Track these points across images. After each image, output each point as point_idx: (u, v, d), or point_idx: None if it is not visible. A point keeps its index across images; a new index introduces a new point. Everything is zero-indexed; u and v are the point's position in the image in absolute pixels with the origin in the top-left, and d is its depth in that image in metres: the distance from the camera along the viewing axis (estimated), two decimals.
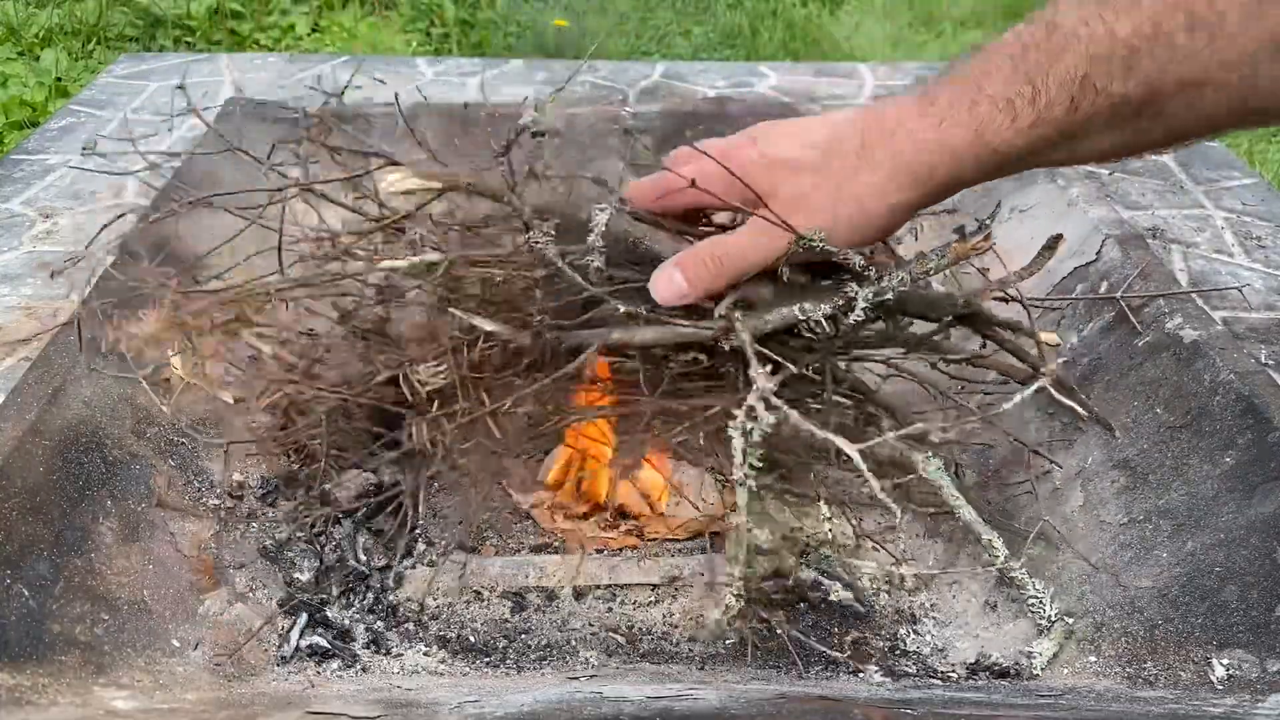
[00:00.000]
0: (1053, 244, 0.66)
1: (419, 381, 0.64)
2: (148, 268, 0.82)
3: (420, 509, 0.82)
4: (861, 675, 0.69)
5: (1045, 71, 0.49)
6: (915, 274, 0.60)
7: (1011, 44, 0.50)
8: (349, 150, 0.73)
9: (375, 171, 0.62)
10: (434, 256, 0.64)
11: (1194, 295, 0.83)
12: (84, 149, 0.88)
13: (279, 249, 0.72)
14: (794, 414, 0.54)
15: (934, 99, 0.52)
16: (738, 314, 0.59)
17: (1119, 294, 0.84)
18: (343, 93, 0.87)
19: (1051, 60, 0.49)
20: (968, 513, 0.77)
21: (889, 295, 0.59)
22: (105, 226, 0.81)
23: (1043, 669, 0.68)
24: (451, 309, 0.64)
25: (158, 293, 0.68)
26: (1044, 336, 0.80)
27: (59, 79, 2.12)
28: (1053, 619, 0.70)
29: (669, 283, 0.58)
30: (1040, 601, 0.71)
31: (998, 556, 0.74)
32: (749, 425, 0.55)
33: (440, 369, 0.64)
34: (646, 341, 0.62)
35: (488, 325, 0.60)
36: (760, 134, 0.58)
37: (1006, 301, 0.77)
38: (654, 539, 0.81)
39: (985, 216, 0.62)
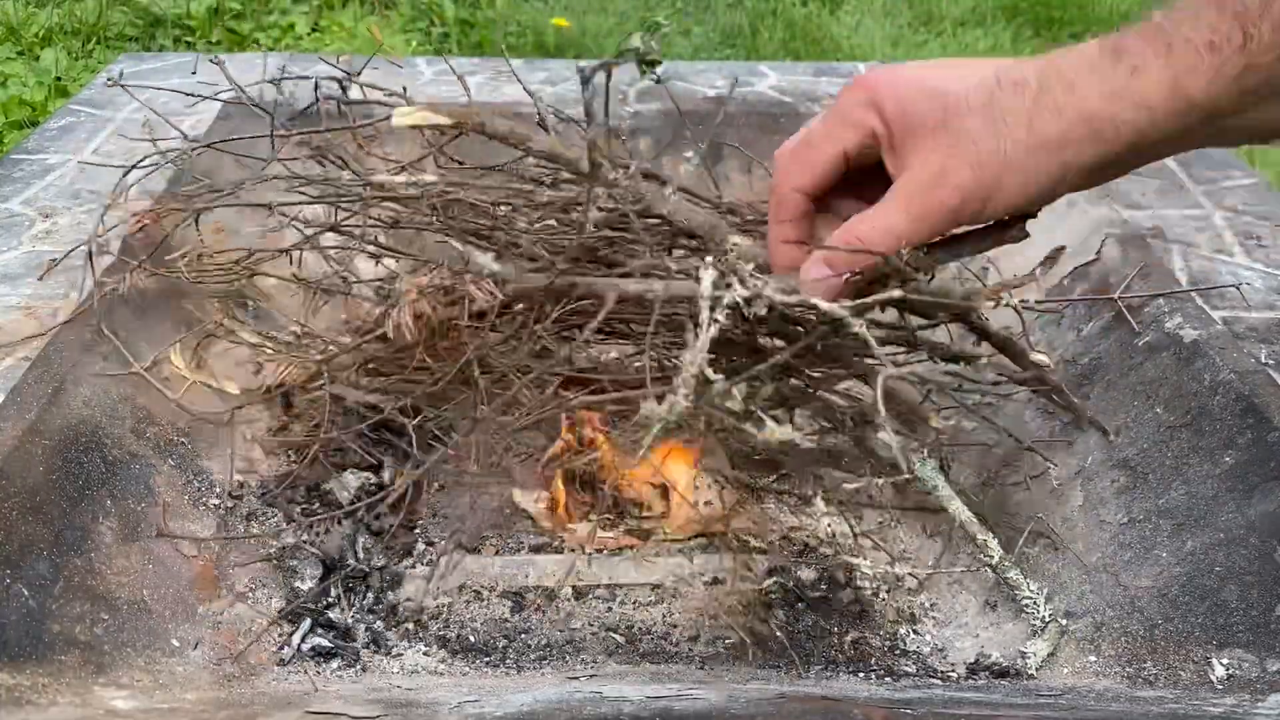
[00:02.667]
0: (1054, 255, 0.65)
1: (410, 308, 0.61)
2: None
3: (421, 509, 0.82)
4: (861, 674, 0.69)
5: (1258, 11, 0.42)
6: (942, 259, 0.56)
7: None
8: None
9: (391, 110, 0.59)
10: (430, 178, 0.60)
11: (1194, 295, 0.83)
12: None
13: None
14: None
15: (1121, 45, 0.45)
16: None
17: (1117, 294, 0.84)
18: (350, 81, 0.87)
19: (1264, 2, 0.42)
20: (962, 513, 0.77)
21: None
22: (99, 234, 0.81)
23: (1036, 669, 0.68)
24: (450, 239, 0.61)
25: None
26: (1035, 358, 0.80)
27: (59, 79, 2.12)
28: (1046, 619, 0.70)
29: (824, 284, 0.52)
30: (1034, 602, 0.71)
31: (992, 556, 0.74)
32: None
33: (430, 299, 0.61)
34: (660, 295, 0.56)
35: (492, 265, 0.54)
36: (908, 66, 0.50)
37: (997, 305, 0.77)
38: (670, 538, 0.81)
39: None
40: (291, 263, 0.79)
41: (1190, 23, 0.44)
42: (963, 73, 0.48)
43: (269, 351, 0.80)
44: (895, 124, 0.49)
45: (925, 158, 0.48)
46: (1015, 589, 0.72)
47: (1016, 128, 0.46)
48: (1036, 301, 0.90)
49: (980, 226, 0.55)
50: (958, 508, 0.77)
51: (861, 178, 0.52)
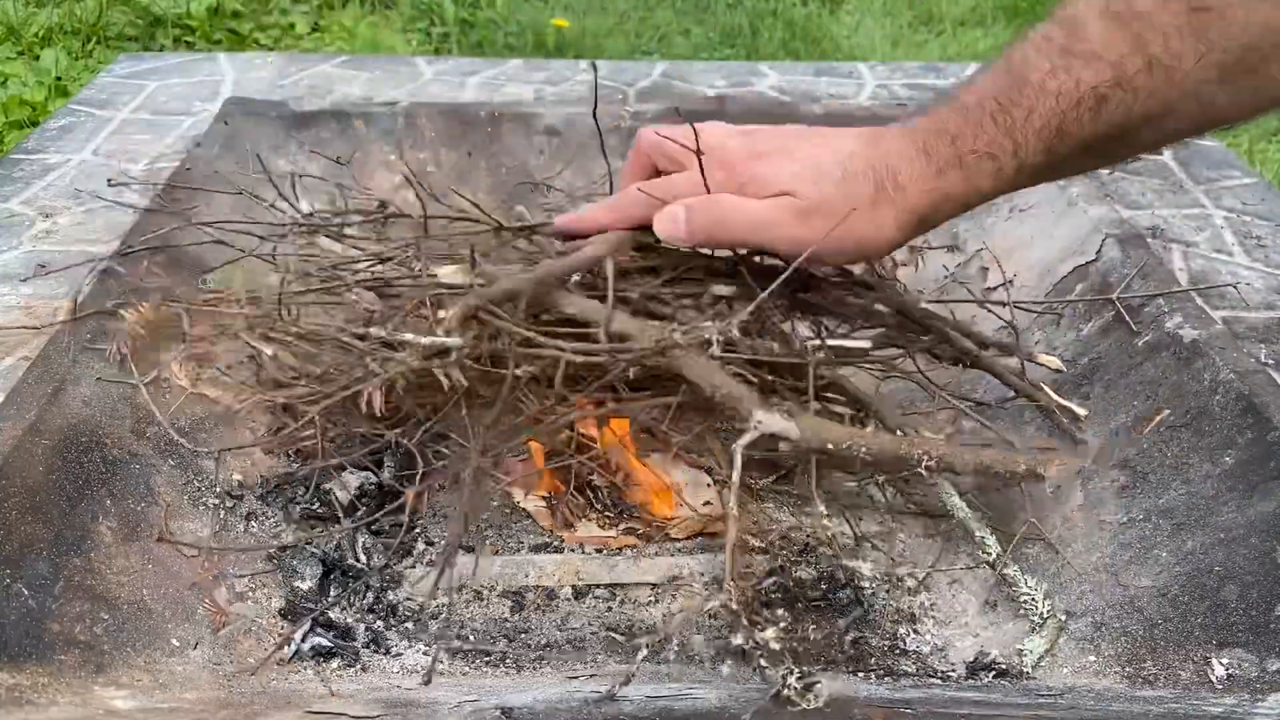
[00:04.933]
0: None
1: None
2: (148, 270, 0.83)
3: (421, 509, 0.82)
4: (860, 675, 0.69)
5: (1023, 126, 0.54)
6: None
7: (989, 101, 0.55)
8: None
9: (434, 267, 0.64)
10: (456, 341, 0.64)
11: (1193, 294, 0.83)
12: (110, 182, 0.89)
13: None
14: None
15: (929, 149, 0.57)
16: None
17: (1115, 295, 0.84)
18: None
19: (1026, 115, 0.53)
20: (961, 510, 0.77)
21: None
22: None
23: (1033, 666, 0.68)
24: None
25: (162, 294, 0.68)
26: (1043, 359, 0.81)
27: (58, 78, 2.12)
28: (1045, 615, 0.70)
29: (672, 221, 0.62)
30: (1032, 599, 0.72)
31: (990, 554, 0.74)
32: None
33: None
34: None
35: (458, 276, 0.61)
36: (767, 168, 0.61)
37: (977, 303, 0.78)
38: (674, 538, 0.81)
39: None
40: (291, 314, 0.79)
41: (974, 135, 0.55)
42: (818, 168, 0.59)
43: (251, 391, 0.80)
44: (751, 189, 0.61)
45: (796, 202, 0.59)
46: (1013, 586, 0.72)
47: (863, 210, 0.58)
48: (1036, 303, 0.90)
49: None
50: (957, 505, 0.77)
51: None
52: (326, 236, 0.77)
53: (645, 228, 0.65)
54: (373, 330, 0.64)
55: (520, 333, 0.62)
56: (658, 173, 0.67)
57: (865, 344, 0.74)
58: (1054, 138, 0.53)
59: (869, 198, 0.58)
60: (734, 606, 0.54)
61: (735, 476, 0.57)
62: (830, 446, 0.60)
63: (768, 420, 0.60)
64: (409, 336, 0.60)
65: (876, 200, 0.57)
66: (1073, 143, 0.53)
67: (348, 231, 0.79)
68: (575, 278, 0.67)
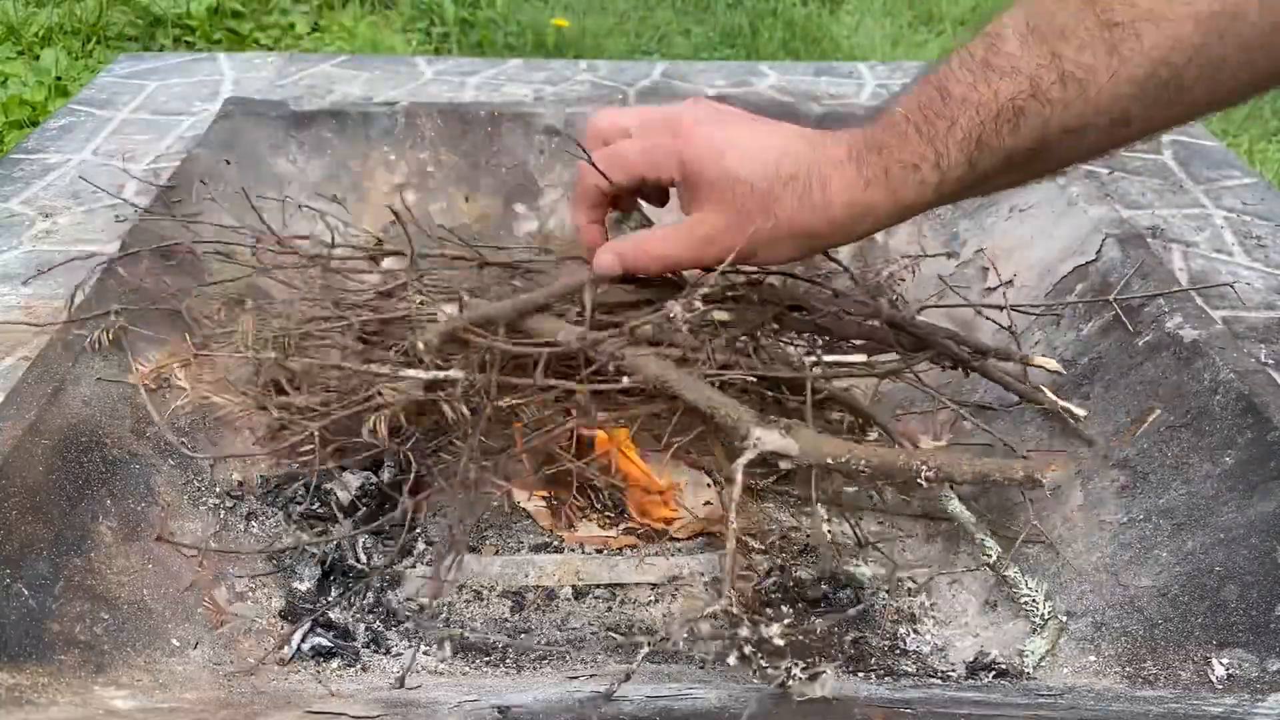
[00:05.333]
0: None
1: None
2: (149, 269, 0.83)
3: (420, 510, 0.82)
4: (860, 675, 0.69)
5: (945, 137, 0.55)
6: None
7: (915, 112, 0.56)
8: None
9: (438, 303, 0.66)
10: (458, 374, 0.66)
11: (1193, 294, 0.83)
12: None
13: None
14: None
15: (860, 160, 0.58)
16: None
17: (1114, 295, 0.84)
18: None
19: (949, 126, 0.55)
20: (961, 513, 0.77)
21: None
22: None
23: (1035, 667, 0.68)
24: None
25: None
26: (1040, 362, 0.81)
27: (58, 78, 2.12)
28: (1045, 616, 0.70)
29: (608, 267, 0.66)
30: (1033, 600, 0.71)
31: (990, 555, 0.74)
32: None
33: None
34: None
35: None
36: (715, 130, 0.62)
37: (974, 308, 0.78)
38: (674, 538, 0.81)
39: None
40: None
41: (899, 146, 0.56)
42: (756, 151, 0.60)
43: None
44: (689, 182, 0.62)
45: (708, 217, 0.62)
46: (1014, 587, 0.72)
47: (781, 220, 0.60)
48: (1035, 305, 0.90)
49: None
50: (957, 507, 0.77)
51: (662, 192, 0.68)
52: (324, 269, 0.79)
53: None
54: (374, 367, 0.66)
55: (500, 347, 0.64)
56: (607, 198, 0.68)
57: (860, 357, 0.75)
58: (974, 149, 0.54)
59: (791, 203, 0.59)
60: (734, 611, 0.55)
61: (736, 494, 0.58)
62: (829, 461, 0.60)
63: (766, 438, 0.60)
64: (411, 373, 0.62)
65: (800, 205, 0.59)
66: (993, 154, 0.55)
67: (346, 261, 0.81)
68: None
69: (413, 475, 0.72)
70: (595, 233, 0.68)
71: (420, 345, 0.63)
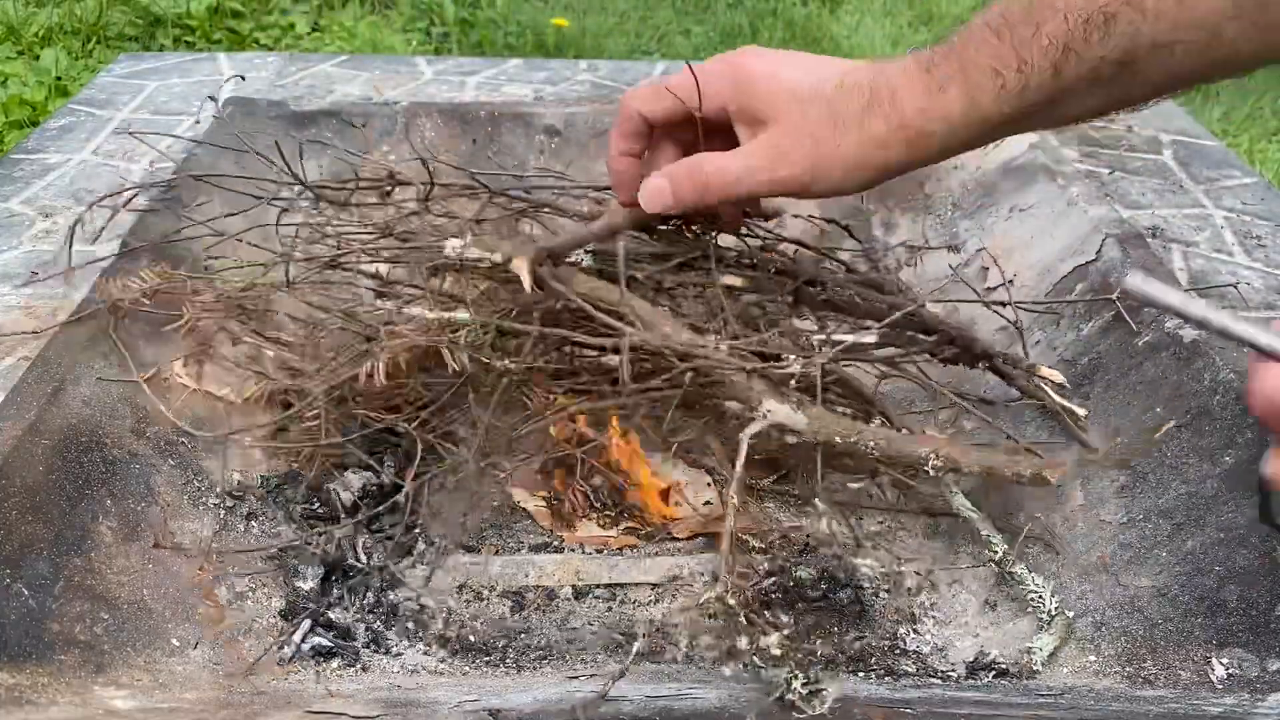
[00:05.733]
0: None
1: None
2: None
3: (421, 509, 0.82)
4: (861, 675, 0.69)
5: (1029, 41, 0.52)
6: None
7: (996, 18, 0.53)
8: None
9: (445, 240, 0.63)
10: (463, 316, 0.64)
11: (1193, 294, 0.83)
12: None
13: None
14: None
15: (931, 67, 0.55)
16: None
17: (1115, 295, 0.84)
18: None
19: (1033, 30, 0.52)
20: (967, 509, 0.77)
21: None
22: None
23: (1043, 664, 0.67)
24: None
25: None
26: (1045, 372, 0.81)
27: (58, 78, 2.12)
28: (1053, 613, 0.70)
29: (657, 192, 0.61)
30: (1040, 596, 0.71)
31: (996, 552, 0.74)
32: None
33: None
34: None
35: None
36: (768, 56, 0.59)
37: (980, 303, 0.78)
38: (674, 538, 0.81)
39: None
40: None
41: (977, 47, 0.53)
42: (815, 71, 0.57)
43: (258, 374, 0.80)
44: (744, 106, 0.58)
45: (773, 136, 0.57)
46: (1020, 584, 0.72)
47: (850, 128, 0.56)
48: (1035, 303, 0.90)
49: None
50: (962, 504, 0.77)
51: (712, 131, 0.62)
52: (331, 204, 0.77)
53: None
54: (385, 303, 0.64)
55: (573, 299, 0.61)
56: (649, 130, 0.64)
57: (871, 337, 0.73)
58: (1060, 56, 0.52)
59: (857, 114, 0.55)
60: (730, 601, 0.54)
61: (740, 464, 0.57)
62: (837, 439, 0.59)
63: (776, 410, 0.59)
64: (418, 311, 0.60)
65: (867, 115, 0.55)
66: (1080, 63, 0.52)
67: (353, 201, 0.79)
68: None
69: (416, 466, 0.72)
70: (627, 164, 0.64)
71: (450, 246, 0.59)
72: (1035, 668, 0.67)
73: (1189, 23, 0.50)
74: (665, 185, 0.61)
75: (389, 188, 0.78)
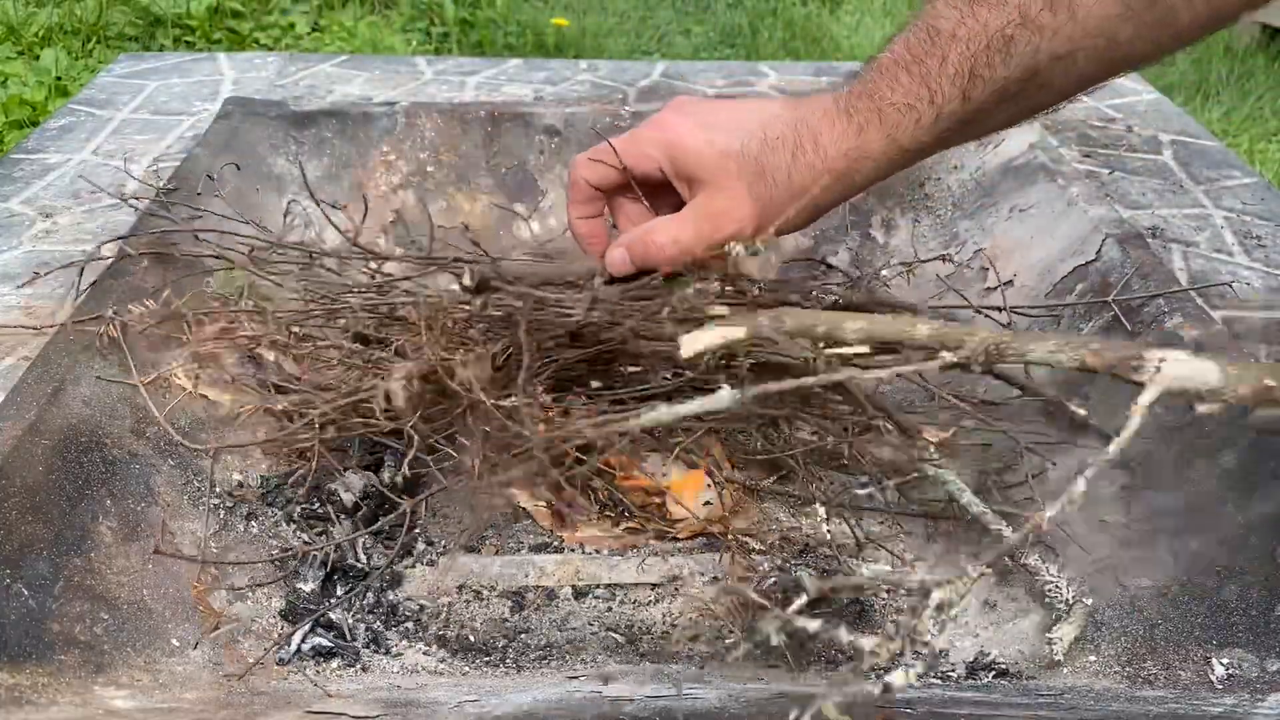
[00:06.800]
0: None
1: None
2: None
3: (421, 509, 0.82)
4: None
5: (936, 73, 0.55)
6: None
7: (903, 54, 0.57)
8: None
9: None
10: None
11: (1193, 294, 0.83)
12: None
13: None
14: None
15: (850, 109, 0.58)
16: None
17: (1113, 296, 0.84)
18: None
19: (939, 62, 0.55)
20: (975, 505, 0.77)
21: None
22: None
23: (1064, 654, 0.67)
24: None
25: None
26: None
27: (58, 78, 2.12)
28: (1070, 602, 0.70)
29: (620, 262, 0.65)
30: (1056, 586, 0.71)
31: (1004, 542, 0.74)
32: None
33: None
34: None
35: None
36: (695, 115, 0.62)
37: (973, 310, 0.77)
38: (674, 538, 0.81)
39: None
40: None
41: (890, 86, 0.57)
42: (740, 125, 0.60)
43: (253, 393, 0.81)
44: (679, 166, 0.61)
45: (712, 198, 0.60)
46: (1035, 575, 0.72)
47: (780, 181, 0.59)
48: (1033, 307, 0.90)
49: None
50: (970, 500, 0.77)
51: (653, 188, 0.65)
52: (323, 269, 0.79)
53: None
54: (401, 284, 0.65)
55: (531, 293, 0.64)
56: (600, 194, 0.67)
57: (864, 349, 0.73)
58: (968, 83, 0.55)
59: (785, 166, 0.59)
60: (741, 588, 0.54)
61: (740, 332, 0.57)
62: (817, 331, 0.57)
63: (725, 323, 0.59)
64: (432, 290, 0.61)
65: (794, 165, 0.59)
66: (986, 86, 0.55)
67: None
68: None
69: (413, 472, 0.72)
70: (588, 227, 0.67)
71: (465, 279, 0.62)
72: (1056, 658, 0.67)
73: (1085, 32, 0.53)
74: (625, 255, 0.64)
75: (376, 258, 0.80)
